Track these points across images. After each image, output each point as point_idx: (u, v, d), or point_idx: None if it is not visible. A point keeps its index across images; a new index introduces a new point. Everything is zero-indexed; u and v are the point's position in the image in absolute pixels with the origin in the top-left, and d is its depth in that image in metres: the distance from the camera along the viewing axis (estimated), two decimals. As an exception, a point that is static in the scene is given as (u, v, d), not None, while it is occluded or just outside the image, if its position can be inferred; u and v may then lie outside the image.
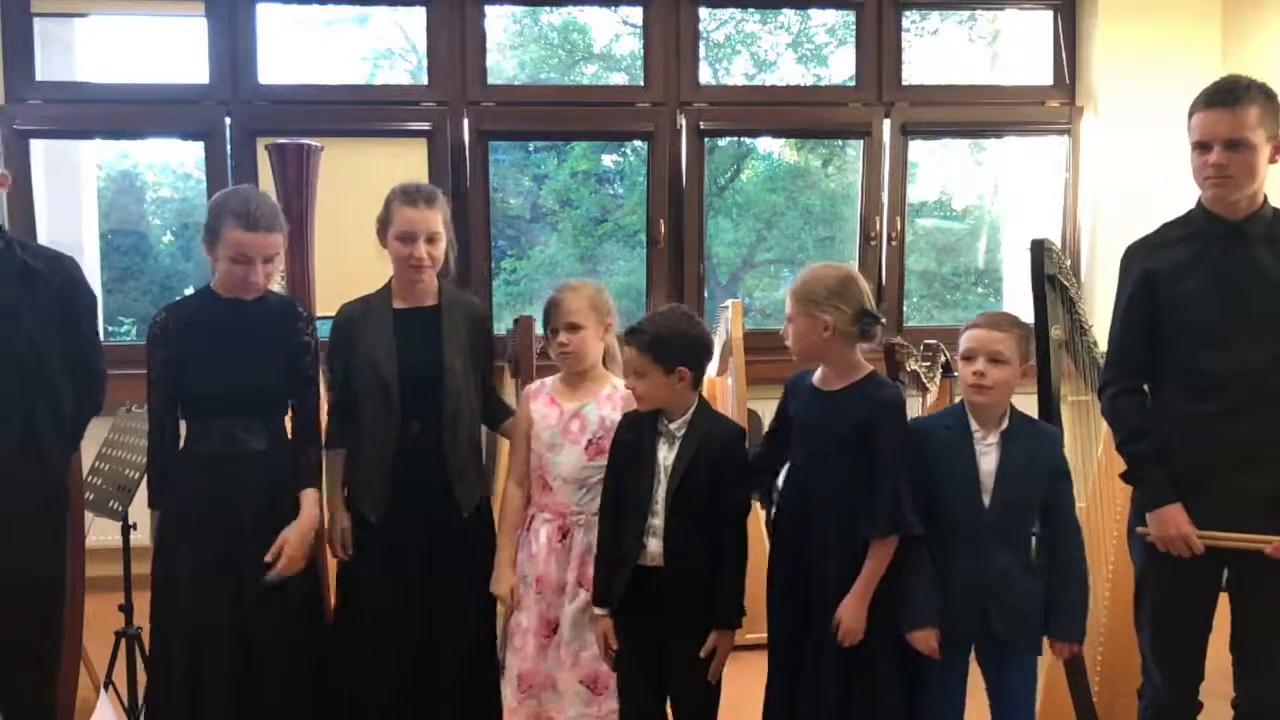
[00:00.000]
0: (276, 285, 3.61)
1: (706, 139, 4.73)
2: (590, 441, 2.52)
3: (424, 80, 4.62)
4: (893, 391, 2.40)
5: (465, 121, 4.50)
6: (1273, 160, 2.27)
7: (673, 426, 2.38)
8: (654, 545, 2.33)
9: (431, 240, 2.60)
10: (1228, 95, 2.24)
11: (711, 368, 4.05)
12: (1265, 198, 2.30)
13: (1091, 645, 2.84)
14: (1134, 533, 2.38)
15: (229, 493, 2.43)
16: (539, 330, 2.75)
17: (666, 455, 2.36)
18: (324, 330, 2.92)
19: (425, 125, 4.49)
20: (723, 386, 3.99)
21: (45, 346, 2.47)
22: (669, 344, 2.37)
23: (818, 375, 2.39)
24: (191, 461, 2.47)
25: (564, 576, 2.51)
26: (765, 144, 5.64)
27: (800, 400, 2.40)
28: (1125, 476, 2.42)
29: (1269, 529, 2.19)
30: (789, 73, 5.39)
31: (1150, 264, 2.37)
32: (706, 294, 4.80)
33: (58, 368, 2.50)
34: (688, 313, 2.49)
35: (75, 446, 2.63)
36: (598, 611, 2.42)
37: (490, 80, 4.66)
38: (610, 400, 2.56)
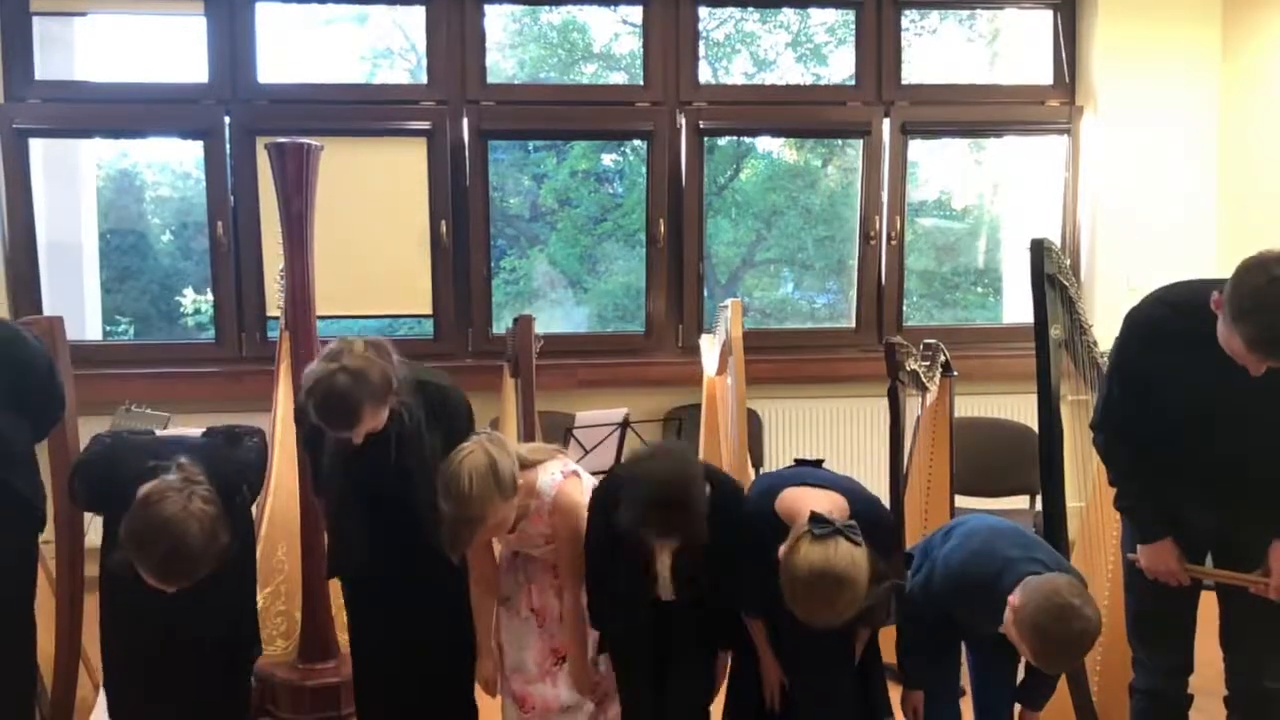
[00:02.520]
0: (276, 285, 3.62)
1: (706, 138, 4.73)
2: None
3: (423, 79, 4.62)
4: None
5: (465, 121, 4.50)
6: None
7: None
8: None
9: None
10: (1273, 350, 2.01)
11: (711, 367, 4.06)
12: None
13: (1090, 643, 2.85)
14: (1127, 557, 2.43)
15: None
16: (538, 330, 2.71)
17: None
18: (324, 330, 2.92)
19: (425, 124, 4.49)
20: (722, 386, 3.98)
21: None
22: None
23: None
24: None
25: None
26: (765, 143, 5.64)
27: None
28: (1118, 507, 2.44)
29: (1249, 558, 2.24)
30: (788, 72, 5.39)
31: (1158, 360, 2.26)
32: (706, 293, 4.80)
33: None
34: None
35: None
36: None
37: (490, 79, 4.66)
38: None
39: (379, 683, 2.53)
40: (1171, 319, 2.24)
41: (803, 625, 2.06)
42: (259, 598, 2.99)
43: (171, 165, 5.53)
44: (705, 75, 4.92)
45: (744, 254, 5.61)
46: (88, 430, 2.67)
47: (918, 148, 5.01)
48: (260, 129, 4.32)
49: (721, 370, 3.99)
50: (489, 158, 4.64)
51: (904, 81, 4.80)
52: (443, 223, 4.49)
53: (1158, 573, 2.32)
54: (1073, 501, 2.81)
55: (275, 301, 3.84)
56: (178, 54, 4.60)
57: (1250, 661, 2.35)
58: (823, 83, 5.23)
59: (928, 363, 3.62)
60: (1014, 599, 2.08)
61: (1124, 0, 4.61)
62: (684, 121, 4.60)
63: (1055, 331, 2.98)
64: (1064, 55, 4.80)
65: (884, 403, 3.55)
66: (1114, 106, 4.60)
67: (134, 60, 4.89)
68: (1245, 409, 2.16)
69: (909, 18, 4.89)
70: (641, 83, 4.71)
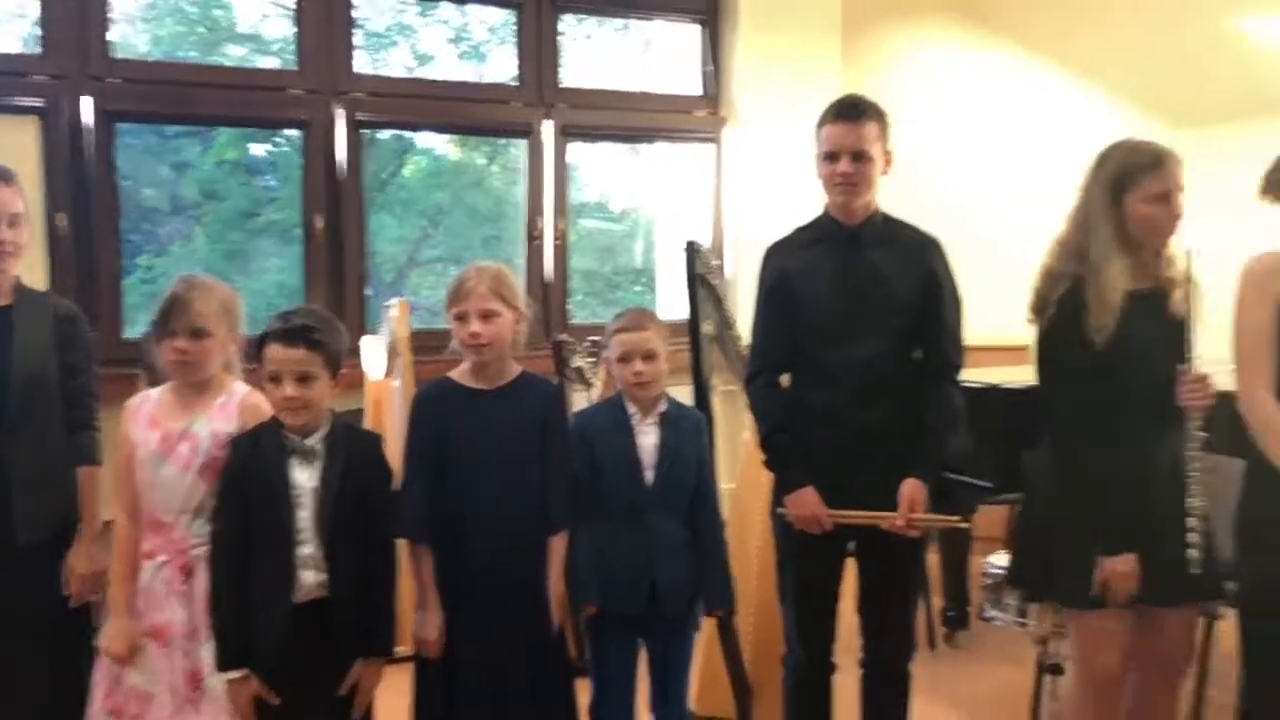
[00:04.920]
0: None
1: (365, 130, 4.57)
2: (205, 464, 2.22)
3: (37, 49, 4.09)
4: (557, 388, 2.49)
5: (87, 99, 4.03)
6: (884, 172, 2.52)
7: (310, 442, 2.18)
8: (310, 577, 2.15)
9: (13, 224, 2.34)
10: (852, 110, 2.46)
11: (377, 370, 3.92)
12: (878, 206, 2.57)
13: (743, 616, 3.04)
14: (775, 512, 2.58)
15: None
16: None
17: (306, 476, 2.16)
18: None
19: (38, 101, 3.98)
20: (389, 390, 3.87)
21: None
22: (336, 342, 2.23)
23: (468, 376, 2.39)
24: None
25: (195, 620, 2.21)
26: (428, 140, 5.54)
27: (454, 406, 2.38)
28: (767, 464, 2.62)
29: (885, 501, 2.44)
30: (449, 68, 5.33)
31: (785, 264, 2.58)
32: (370, 292, 4.64)
33: None
34: (320, 310, 2.34)
35: None
36: (233, 676, 2.13)
37: (117, 54, 4.21)
38: (224, 411, 2.27)
39: None
40: (797, 234, 2.62)
41: None
42: None
43: None
44: (363, 65, 4.74)
45: (410, 252, 5.48)
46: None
47: (578, 150, 5.13)
48: None
49: (389, 373, 3.87)
50: (116, 142, 4.19)
51: (564, 85, 4.90)
52: (61, 214, 4.00)
53: (803, 520, 2.47)
54: (724, 484, 2.99)
55: None
56: None
57: (878, 633, 2.59)
58: (484, 81, 5.22)
59: (593, 359, 3.71)
60: None
61: (759, 18, 5.00)
62: (341, 113, 4.41)
63: (706, 327, 3.17)
64: (710, 68, 5.12)
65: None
66: (752, 118, 4.97)
67: None
68: (860, 308, 2.48)
69: (566, 23, 5.00)
70: (295, 69, 4.47)
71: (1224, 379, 2.34)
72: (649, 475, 2.47)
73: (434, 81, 5.01)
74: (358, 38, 4.62)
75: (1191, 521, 2.24)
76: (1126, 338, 2.27)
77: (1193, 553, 2.23)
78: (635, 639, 2.53)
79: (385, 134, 5.16)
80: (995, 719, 3.45)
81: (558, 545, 2.40)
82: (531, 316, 2.52)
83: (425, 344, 3.82)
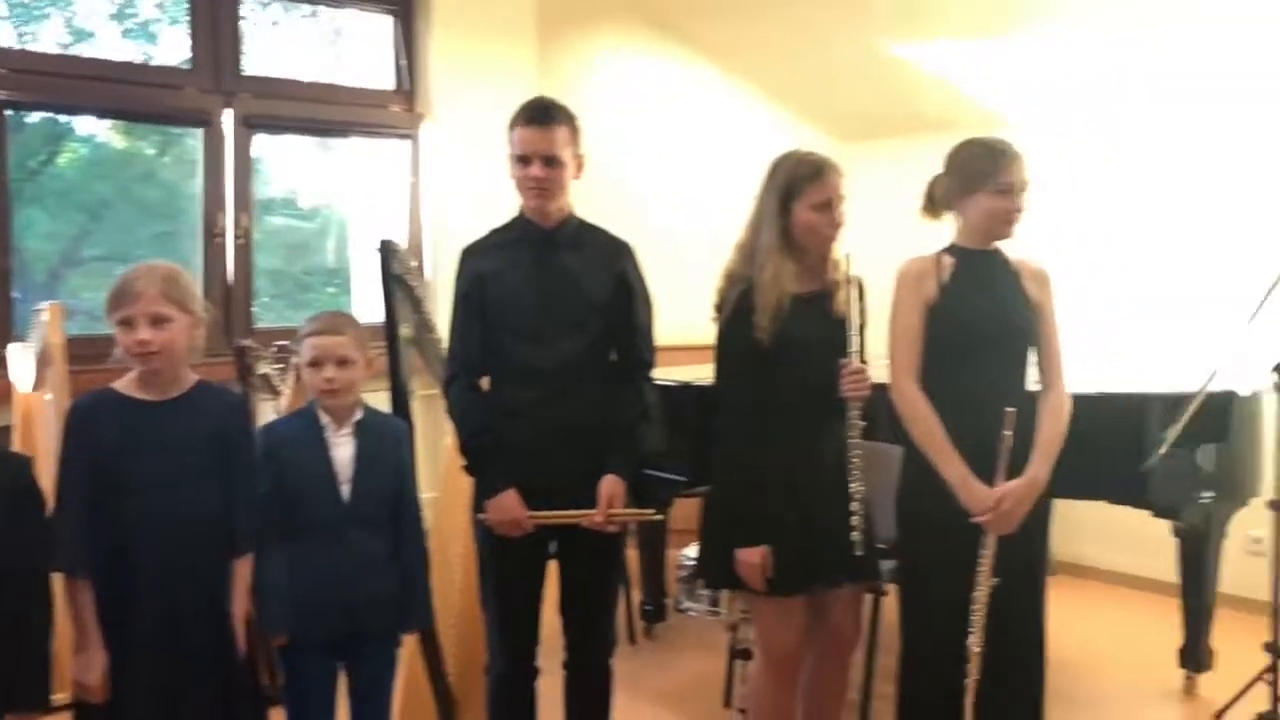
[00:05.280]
0: None
1: (10, 111, 4.07)
2: None
3: None
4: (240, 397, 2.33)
5: None
6: (576, 176, 2.56)
7: None
8: None
9: None
10: (543, 114, 2.47)
11: (26, 381, 3.51)
12: (571, 208, 2.60)
13: (446, 628, 2.99)
14: (476, 518, 2.55)
15: None
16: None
17: None
18: None
19: None
20: (39, 403, 3.46)
21: None
22: None
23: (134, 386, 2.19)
24: None
25: None
26: (87, 125, 5.00)
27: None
28: (467, 468, 2.58)
29: (585, 499, 2.48)
30: (111, 46, 4.84)
31: (480, 266, 2.56)
32: (18, 294, 4.13)
33: None
34: None
35: None
36: None
37: None
38: None
39: None
40: (492, 235, 2.62)
41: None
42: None
43: None
44: (7, 39, 4.21)
45: (66, 249, 4.93)
46: None
47: (263, 143, 4.84)
48: None
49: (39, 384, 3.47)
50: None
51: (246, 73, 4.60)
52: None
53: (503, 524, 2.46)
54: (426, 493, 2.92)
55: None
56: None
57: (580, 632, 2.62)
58: (153, 63, 4.79)
59: (281, 365, 3.50)
60: None
61: (455, 15, 4.92)
62: (-23, 91, 3.89)
63: (404, 330, 3.08)
64: (404, 63, 4.99)
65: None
66: (449, 115, 4.89)
67: None
68: (555, 309, 2.50)
69: (249, 6, 4.69)
70: (-84, 39, 3.89)
71: (884, 373, 2.56)
72: (345, 490, 2.35)
73: (94, 60, 4.53)
74: (1, 7, 4.09)
75: (854, 506, 2.43)
76: (791, 337, 2.44)
77: (855, 535, 2.42)
78: (334, 662, 2.41)
79: (35, 117, 4.61)
80: (693, 707, 3.60)
81: (242, 570, 2.24)
82: (210, 320, 2.32)
83: (84, 352, 3.46)
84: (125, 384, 2.21)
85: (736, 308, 2.47)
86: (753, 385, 2.47)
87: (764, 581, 2.43)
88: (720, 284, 2.55)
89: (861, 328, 2.52)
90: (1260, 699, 3.17)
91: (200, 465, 2.18)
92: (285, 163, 5.17)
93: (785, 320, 2.43)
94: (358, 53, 5.15)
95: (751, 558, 2.42)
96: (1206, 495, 3.46)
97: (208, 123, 4.46)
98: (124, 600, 2.12)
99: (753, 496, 2.45)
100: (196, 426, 2.20)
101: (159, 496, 2.13)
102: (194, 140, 4.58)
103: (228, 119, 4.48)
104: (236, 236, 4.52)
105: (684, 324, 3.39)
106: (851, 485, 2.43)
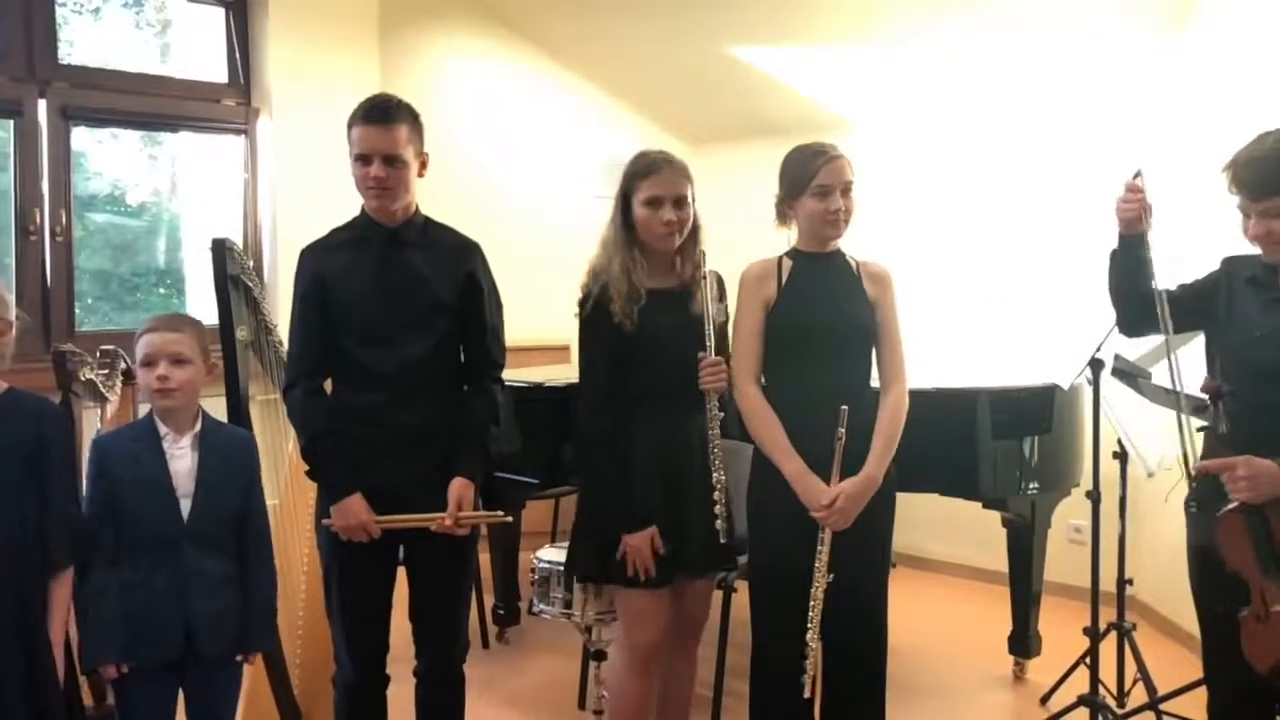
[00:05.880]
0: None
1: None
2: None
3: None
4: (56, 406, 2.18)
5: None
6: (420, 175, 2.50)
7: None
8: None
9: None
10: (382, 114, 2.40)
11: None
12: (417, 207, 2.54)
13: (290, 639, 2.88)
14: (320, 525, 2.47)
15: None
16: None
17: None
18: None
19: None
20: None
21: None
22: None
23: None
24: None
25: None
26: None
27: None
28: (310, 474, 2.49)
29: (434, 502, 2.43)
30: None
31: (320, 267, 2.48)
32: None
33: None
34: None
35: None
36: None
37: None
38: None
39: None
40: (333, 234, 2.55)
41: None
42: None
43: None
44: None
45: None
46: None
47: (84, 136, 4.56)
48: None
49: None
50: None
51: (63, 61, 4.32)
52: None
53: (350, 530, 2.40)
54: (268, 500, 2.81)
55: None
56: None
57: (432, 638, 2.57)
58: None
59: (106, 371, 3.30)
60: None
61: (292, 8, 4.75)
62: None
63: (241, 333, 2.94)
64: (238, 56, 4.78)
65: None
66: (288, 110, 4.72)
67: None
68: (400, 310, 2.46)
69: (67, -8, 4.42)
70: None
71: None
72: (184, 505, 2.22)
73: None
74: None
75: (716, 494, 2.46)
76: (648, 330, 2.47)
77: (719, 524, 2.46)
78: (173, 681, 2.27)
79: None
80: (547, 709, 3.58)
81: (59, 591, 2.10)
82: (21, 326, 2.17)
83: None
84: None
85: (597, 300, 2.49)
86: (613, 377, 2.48)
87: (649, 564, 2.43)
88: (584, 279, 2.55)
89: (724, 325, 2.56)
90: (1081, 682, 3.35)
91: (6, 479, 2.03)
92: (110, 157, 4.88)
93: (643, 313, 2.46)
94: (188, 45, 4.91)
95: (640, 541, 2.43)
96: (1033, 487, 3.64)
97: (19, 113, 4.17)
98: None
99: (625, 484, 2.46)
100: (4, 438, 2.04)
101: None
102: (4, 131, 4.28)
103: (42, 109, 4.21)
104: (55, 234, 4.24)
105: (533, 324, 3.37)
106: (714, 475, 2.46)
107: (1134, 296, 2.38)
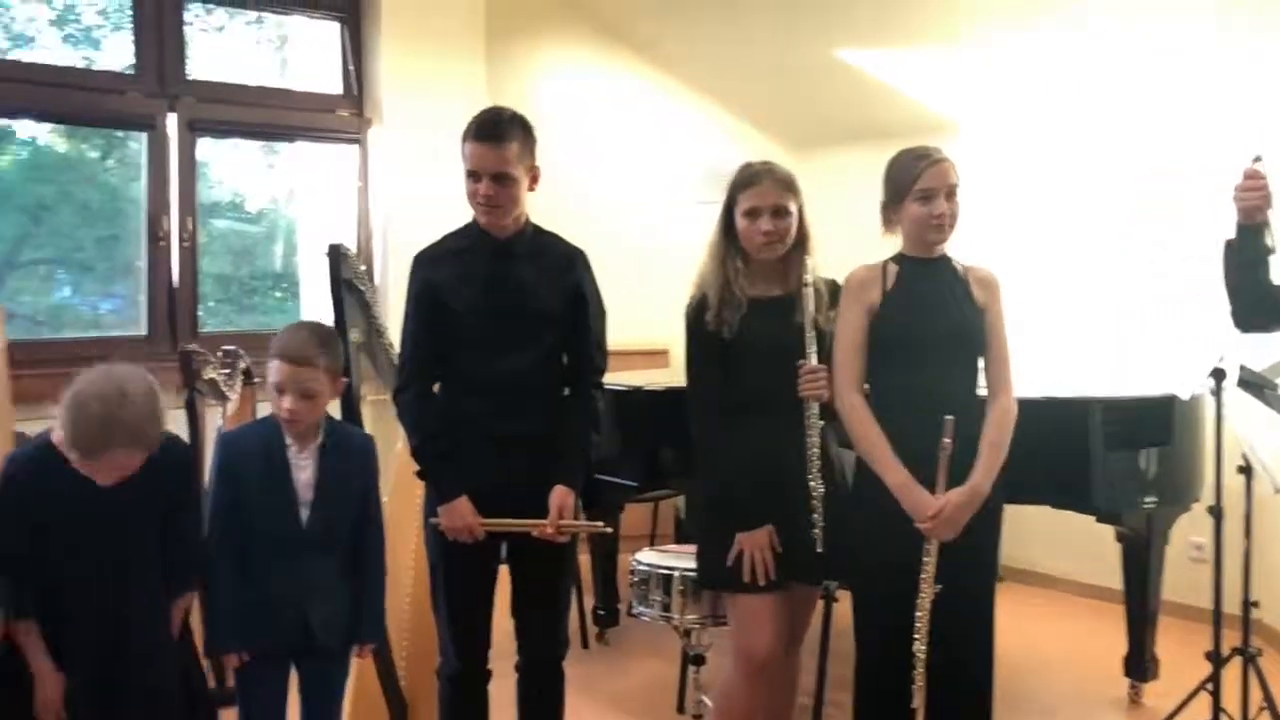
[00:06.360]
0: None
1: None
2: None
3: None
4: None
5: None
6: (531, 189, 2.53)
7: None
8: None
9: None
10: (493, 131, 2.43)
11: (-40, 386, 3.41)
12: (527, 217, 2.58)
13: (397, 632, 2.96)
14: (428, 523, 2.53)
15: None
16: None
17: None
18: None
19: None
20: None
21: None
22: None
23: None
24: None
25: None
26: (28, 129, 4.89)
27: None
28: (420, 474, 2.56)
29: (535, 507, 2.47)
30: (53, 52, 4.74)
31: (433, 274, 2.53)
32: (-46, 298, 4.02)
33: None
34: None
35: None
36: None
37: None
38: None
39: None
40: (444, 242, 2.58)
41: None
42: None
43: None
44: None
45: (7, 252, 4.81)
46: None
47: (208, 147, 4.77)
48: None
49: (-25, 389, 3.38)
50: None
51: (190, 77, 4.53)
52: None
53: (456, 530, 2.45)
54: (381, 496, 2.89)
55: None
56: None
57: (534, 632, 2.61)
58: (96, 68, 4.70)
59: (227, 370, 3.46)
60: None
61: (405, 21, 4.89)
62: (-88, 92, 3.79)
63: (354, 335, 3.04)
64: (352, 68, 4.94)
65: (182, 414, 3.32)
66: (398, 120, 4.86)
67: None
68: (507, 321, 2.50)
69: (193, 11, 4.62)
70: None
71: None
72: (303, 513, 2.30)
73: (37, 65, 4.44)
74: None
75: (814, 504, 2.43)
76: (747, 337, 2.46)
77: (816, 533, 2.43)
78: (287, 665, 2.37)
79: (-29, 121, 4.50)
80: (645, 710, 3.60)
81: (182, 604, 2.28)
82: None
83: (24, 357, 3.38)
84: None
85: (698, 307, 2.51)
86: (714, 383, 2.49)
87: (763, 567, 2.43)
88: (693, 287, 2.57)
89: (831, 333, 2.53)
90: (1202, 709, 3.19)
91: (141, 509, 2.13)
92: (231, 167, 5.10)
93: (744, 320, 2.46)
94: (304, 58, 5.10)
95: (758, 539, 2.43)
96: (1149, 500, 3.50)
97: (152, 126, 4.39)
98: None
99: (734, 488, 2.47)
100: (147, 485, 2.12)
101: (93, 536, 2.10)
102: (137, 144, 4.50)
103: (172, 123, 4.41)
104: (181, 240, 4.45)
105: (633, 326, 3.39)
106: (811, 483, 2.44)
107: (1252, 292, 2.28)
